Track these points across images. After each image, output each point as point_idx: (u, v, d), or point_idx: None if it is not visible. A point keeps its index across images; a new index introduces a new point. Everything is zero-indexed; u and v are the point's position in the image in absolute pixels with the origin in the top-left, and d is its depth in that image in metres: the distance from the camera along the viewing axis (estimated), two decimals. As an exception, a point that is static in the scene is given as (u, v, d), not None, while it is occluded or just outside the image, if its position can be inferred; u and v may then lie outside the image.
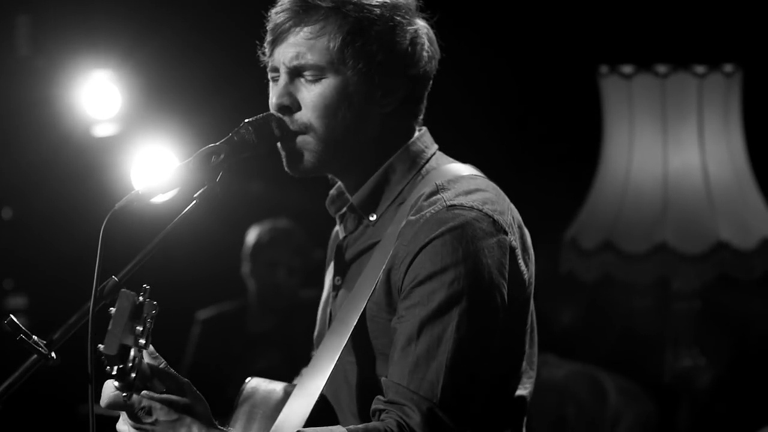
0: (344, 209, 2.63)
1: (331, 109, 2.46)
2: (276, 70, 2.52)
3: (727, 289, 5.19)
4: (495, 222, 2.41)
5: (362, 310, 2.45)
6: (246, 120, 2.46)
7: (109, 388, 2.23)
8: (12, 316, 2.26)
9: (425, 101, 2.60)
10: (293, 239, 5.72)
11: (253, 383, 2.63)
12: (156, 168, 5.78)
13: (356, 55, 2.45)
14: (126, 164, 5.91)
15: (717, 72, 4.87)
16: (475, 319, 2.35)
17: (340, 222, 2.65)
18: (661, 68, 4.86)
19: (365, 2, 2.46)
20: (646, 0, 5.94)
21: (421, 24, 2.54)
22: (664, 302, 5.09)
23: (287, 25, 2.47)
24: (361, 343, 2.47)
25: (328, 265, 2.80)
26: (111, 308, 2.14)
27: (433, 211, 2.40)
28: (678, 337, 5.01)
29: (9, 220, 6.47)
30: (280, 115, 2.49)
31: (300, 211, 5.80)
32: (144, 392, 2.23)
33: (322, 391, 2.49)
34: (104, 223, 2.30)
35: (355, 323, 2.45)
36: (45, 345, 2.29)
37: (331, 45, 2.44)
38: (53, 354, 2.30)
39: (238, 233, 5.85)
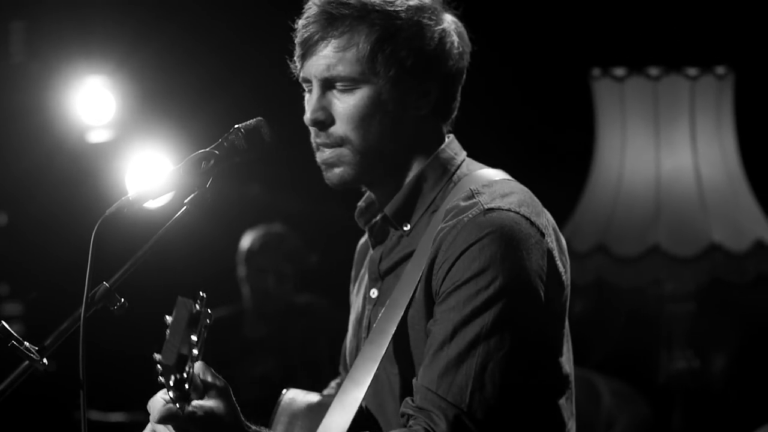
0: (374, 220, 2.60)
1: (366, 119, 2.45)
2: (308, 81, 2.51)
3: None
4: (533, 224, 2.38)
5: (400, 318, 2.42)
6: (236, 125, 2.46)
7: (159, 402, 2.19)
8: (3, 322, 2.26)
9: (458, 98, 2.58)
10: (284, 245, 5.71)
11: (291, 395, 2.61)
12: (149, 174, 5.78)
13: (386, 62, 2.44)
14: (120, 170, 5.91)
15: (709, 74, 4.88)
16: (510, 324, 2.32)
17: (370, 234, 2.62)
18: (654, 71, 4.87)
19: (390, 9, 2.45)
20: (638, 2, 5.95)
21: (448, 20, 2.52)
22: (657, 304, 5.09)
23: (315, 38, 2.46)
24: (403, 352, 2.45)
25: (357, 278, 2.77)
26: (167, 316, 2.12)
27: (471, 215, 2.37)
28: (672, 339, 5.02)
29: (4, 225, 6.48)
30: (315, 129, 2.48)
31: (297, 215, 5.81)
32: (197, 402, 2.19)
33: (366, 403, 2.48)
34: (95, 230, 2.31)
35: (393, 332, 2.42)
36: (37, 351, 2.29)
37: (361, 55, 2.43)
38: (45, 360, 2.30)
39: (236, 237, 5.86)
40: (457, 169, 2.54)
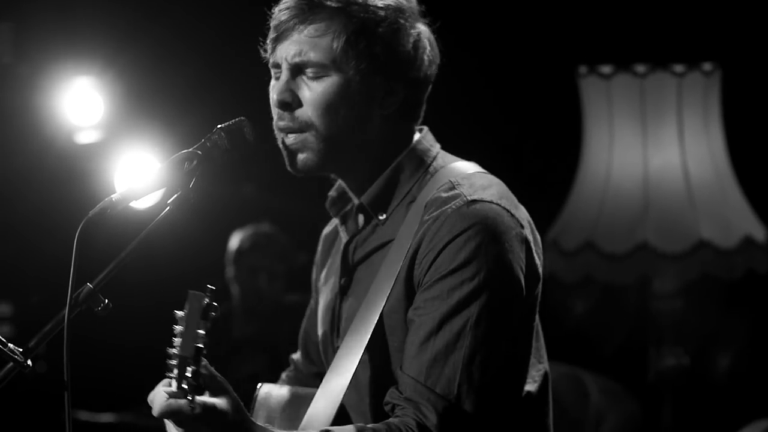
0: (347, 209, 2.63)
1: (332, 107, 2.46)
2: (277, 66, 2.52)
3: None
4: (513, 216, 2.42)
5: (381, 308, 2.44)
6: (218, 125, 2.47)
7: (161, 395, 2.18)
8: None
9: (424, 105, 2.60)
10: (274, 244, 5.73)
11: (266, 389, 2.63)
12: (136, 174, 5.79)
13: (359, 55, 2.45)
14: (109, 171, 5.91)
15: (696, 71, 4.89)
16: (494, 314, 2.36)
17: (342, 223, 2.65)
18: (640, 68, 4.87)
19: (370, 3, 2.47)
20: (624, 0, 5.95)
21: (422, 28, 2.55)
22: (645, 302, 5.09)
23: (291, 22, 2.47)
24: (376, 341, 2.46)
25: (323, 265, 2.79)
26: (178, 311, 2.12)
27: (454, 206, 2.41)
28: (661, 336, 5.02)
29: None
30: (280, 110, 2.50)
31: (289, 214, 5.81)
32: (203, 399, 2.18)
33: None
34: (78, 231, 2.31)
35: (375, 322, 2.44)
36: (21, 353, 2.29)
37: (335, 44, 2.45)
38: (29, 362, 2.30)
39: (228, 238, 5.86)
40: (433, 161, 2.56)
